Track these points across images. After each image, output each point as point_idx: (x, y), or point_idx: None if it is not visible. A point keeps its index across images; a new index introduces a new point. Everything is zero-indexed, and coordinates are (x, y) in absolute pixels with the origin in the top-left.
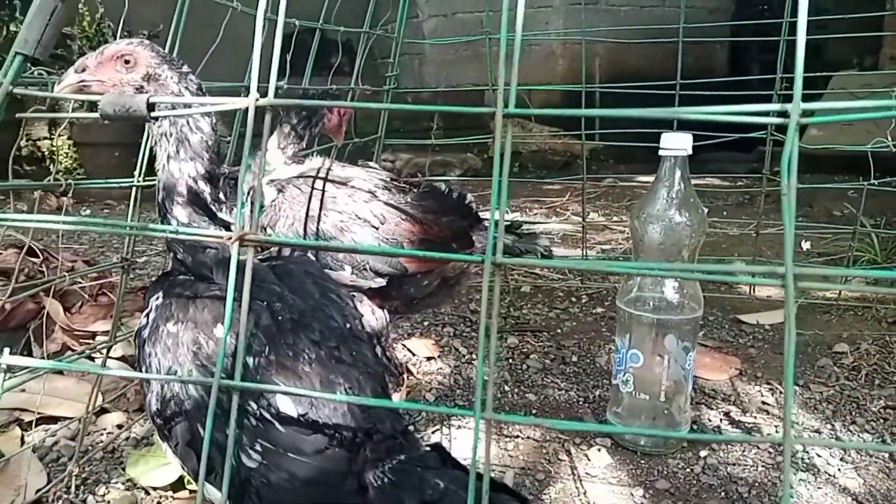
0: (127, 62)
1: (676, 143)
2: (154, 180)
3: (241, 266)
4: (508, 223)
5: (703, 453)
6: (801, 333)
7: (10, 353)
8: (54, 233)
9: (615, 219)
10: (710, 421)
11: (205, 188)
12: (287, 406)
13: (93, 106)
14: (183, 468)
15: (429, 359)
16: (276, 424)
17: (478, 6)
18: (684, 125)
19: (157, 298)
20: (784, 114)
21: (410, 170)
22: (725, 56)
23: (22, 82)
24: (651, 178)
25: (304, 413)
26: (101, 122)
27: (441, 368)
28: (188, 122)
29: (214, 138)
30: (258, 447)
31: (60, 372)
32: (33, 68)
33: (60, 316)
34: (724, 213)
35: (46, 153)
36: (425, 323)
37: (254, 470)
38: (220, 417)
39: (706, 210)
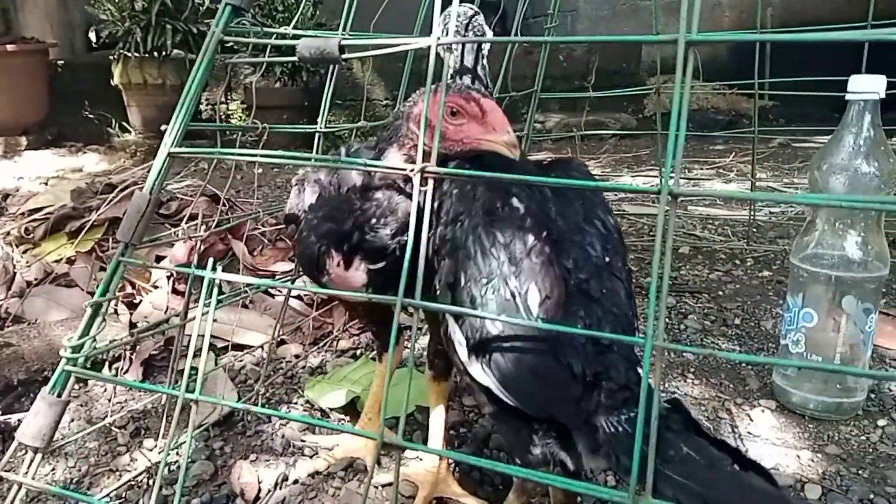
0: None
1: (866, 86)
2: (334, 127)
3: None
4: None
5: (881, 422)
6: None
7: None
8: (232, 187)
9: (785, 181)
10: (890, 391)
11: None
12: (533, 299)
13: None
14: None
15: None
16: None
17: None
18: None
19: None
20: None
21: (560, 130)
22: None
23: (230, 31)
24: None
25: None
26: (271, 86)
27: None
28: None
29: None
30: (498, 324)
31: (245, 306)
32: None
33: (246, 256)
34: None
35: (223, 116)
36: None
37: (495, 336)
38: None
39: None
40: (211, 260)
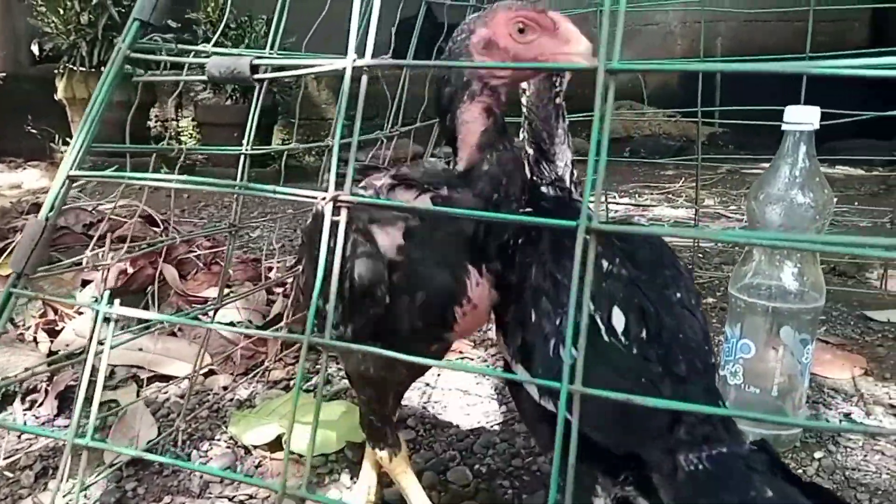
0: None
1: (801, 117)
2: (260, 149)
3: (334, 227)
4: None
5: (818, 454)
6: None
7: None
8: (177, 206)
9: (732, 207)
10: (827, 421)
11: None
12: (618, 320)
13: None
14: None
15: None
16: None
17: None
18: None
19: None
20: None
21: None
22: (866, 32)
23: (140, 48)
24: None
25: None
26: (222, 103)
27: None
28: None
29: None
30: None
31: (174, 334)
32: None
33: (175, 281)
34: (856, 202)
35: (173, 133)
36: None
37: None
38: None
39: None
40: (106, 293)
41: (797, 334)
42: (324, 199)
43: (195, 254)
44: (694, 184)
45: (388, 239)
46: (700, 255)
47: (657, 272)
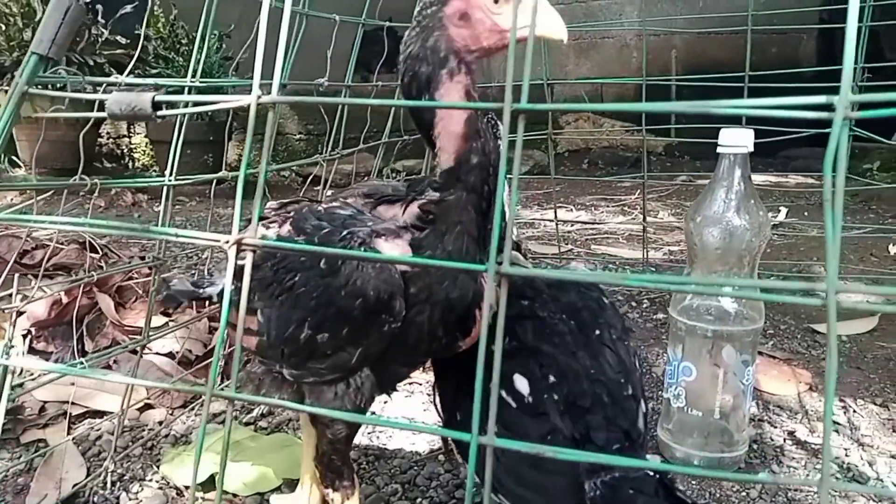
0: None
1: (735, 140)
2: (183, 179)
3: (238, 271)
4: None
5: (761, 475)
6: (884, 346)
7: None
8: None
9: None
10: (772, 440)
11: None
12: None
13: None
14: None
15: None
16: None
17: None
18: (754, 120)
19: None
20: (828, 107)
21: None
22: (814, 46)
23: (41, 81)
24: None
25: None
26: (174, 120)
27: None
28: None
29: None
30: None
31: (109, 366)
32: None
33: (111, 311)
34: (806, 213)
35: (126, 150)
36: None
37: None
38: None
39: (786, 210)
40: (3, 343)
41: (739, 355)
42: (227, 242)
43: (134, 280)
44: (650, 195)
45: (398, 250)
46: (652, 269)
47: (580, 313)
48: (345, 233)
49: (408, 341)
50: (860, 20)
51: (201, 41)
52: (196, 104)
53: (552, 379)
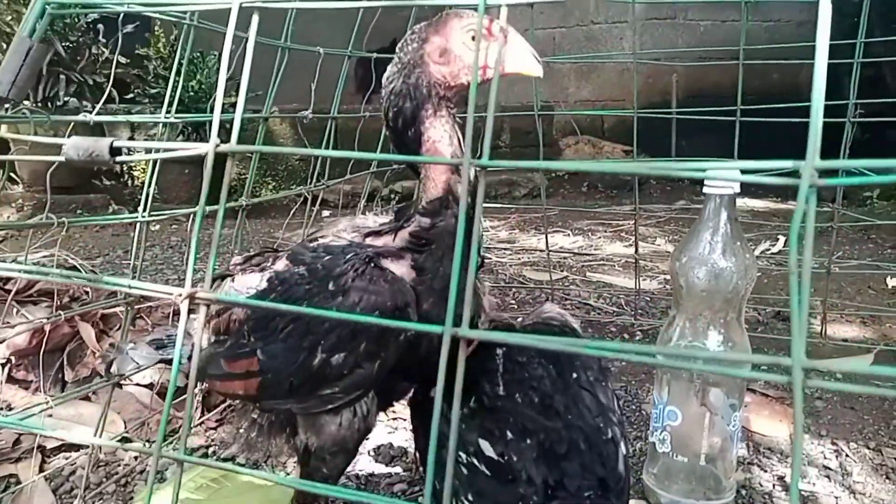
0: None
1: (721, 181)
2: (157, 215)
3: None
4: None
5: None
6: (879, 385)
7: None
8: (123, 248)
9: None
10: (761, 486)
11: None
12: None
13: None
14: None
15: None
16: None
17: (549, 22)
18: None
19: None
20: (794, 173)
21: None
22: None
23: (3, 120)
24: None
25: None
26: (173, 139)
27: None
28: None
29: None
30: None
31: (88, 398)
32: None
33: (92, 341)
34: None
35: (125, 168)
36: None
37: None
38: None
39: (784, 239)
40: None
41: (727, 399)
42: (179, 296)
43: (119, 308)
44: (648, 221)
45: (403, 270)
46: (648, 300)
47: (558, 355)
48: (350, 255)
49: (419, 351)
50: (852, 56)
51: (177, 75)
52: (155, 150)
53: (524, 431)
